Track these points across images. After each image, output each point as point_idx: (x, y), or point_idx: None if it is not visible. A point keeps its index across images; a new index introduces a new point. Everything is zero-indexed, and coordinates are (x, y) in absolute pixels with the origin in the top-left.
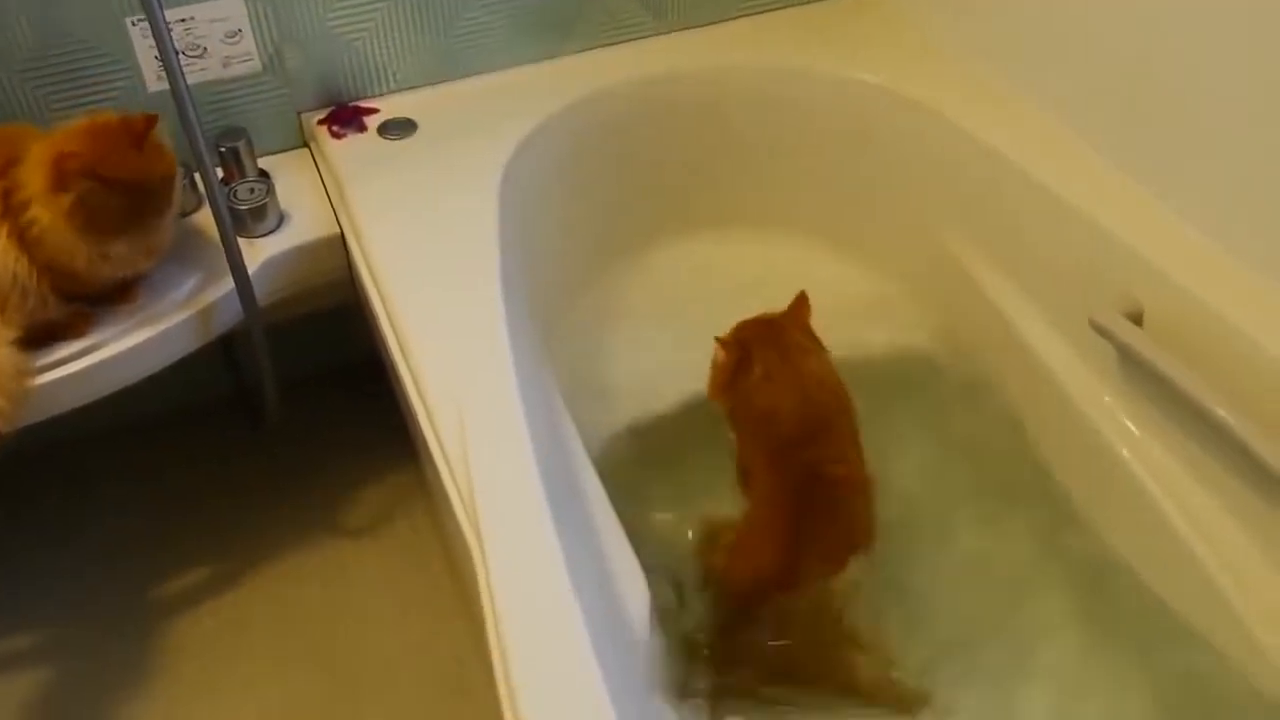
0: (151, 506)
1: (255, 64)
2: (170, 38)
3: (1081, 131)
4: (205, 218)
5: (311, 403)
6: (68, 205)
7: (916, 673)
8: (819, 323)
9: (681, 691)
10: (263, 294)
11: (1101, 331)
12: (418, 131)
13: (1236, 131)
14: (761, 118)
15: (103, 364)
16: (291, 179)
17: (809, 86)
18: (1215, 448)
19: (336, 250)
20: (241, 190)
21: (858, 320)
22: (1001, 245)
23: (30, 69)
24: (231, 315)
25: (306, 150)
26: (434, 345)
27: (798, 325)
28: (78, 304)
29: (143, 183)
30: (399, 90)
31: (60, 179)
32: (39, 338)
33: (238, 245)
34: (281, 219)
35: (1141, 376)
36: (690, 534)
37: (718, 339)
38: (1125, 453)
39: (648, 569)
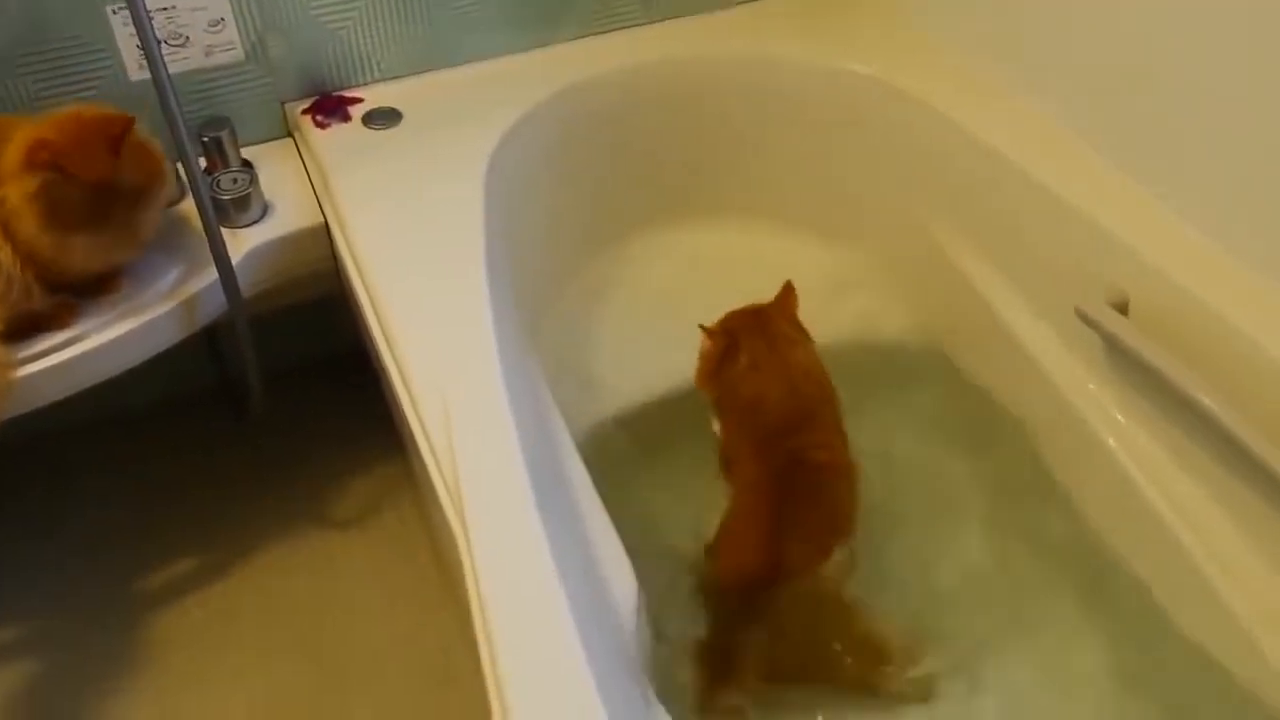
0: (136, 499)
1: (238, 53)
2: (151, 26)
3: (1071, 123)
4: (188, 208)
5: (296, 394)
6: (32, 190)
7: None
8: (805, 310)
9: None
10: (247, 285)
11: (1087, 320)
12: (403, 121)
13: (1225, 121)
14: (751, 107)
15: (86, 355)
16: (275, 169)
17: (799, 76)
18: (1201, 436)
19: (321, 240)
20: (225, 180)
21: (844, 309)
22: (989, 235)
23: (9, 59)
24: (215, 306)
25: (290, 140)
26: (419, 335)
27: (785, 316)
28: (62, 295)
29: (107, 184)
30: (384, 79)
31: (30, 164)
32: (22, 329)
33: (221, 236)
34: (265, 209)
35: (1127, 365)
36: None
37: (704, 328)
38: (1111, 441)
39: (633, 555)
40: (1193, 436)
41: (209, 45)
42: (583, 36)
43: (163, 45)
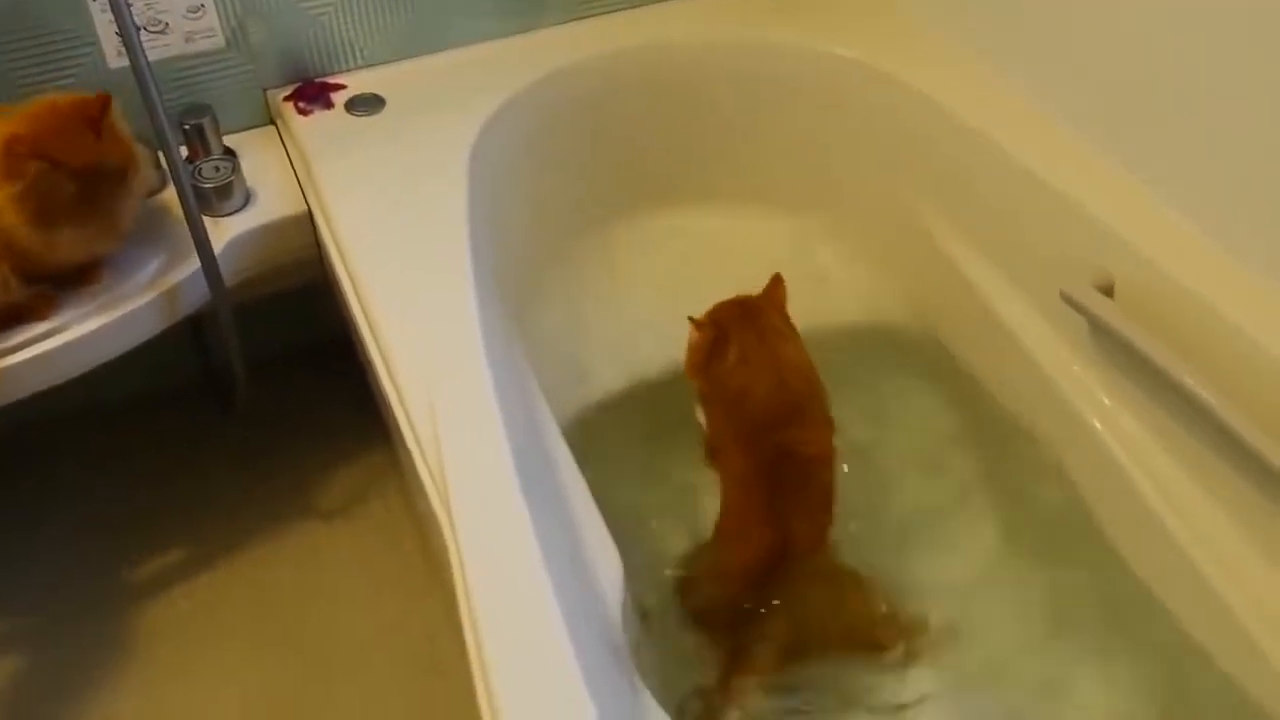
0: (121, 491)
1: (219, 39)
2: (130, 13)
3: (1055, 107)
4: (170, 196)
5: (280, 382)
6: (19, 191)
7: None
8: (793, 295)
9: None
10: (229, 273)
11: (1072, 303)
12: (386, 108)
13: (1208, 106)
14: (737, 92)
15: (67, 347)
16: (257, 156)
17: (784, 61)
18: (1185, 418)
19: (304, 228)
20: (206, 168)
21: (830, 293)
22: (974, 219)
23: None
24: (198, 296)
25: (273, 127)
26: (403, 323)
27: (774, 308)
28: (41, 286)
29: (98, 167)
30: (367, 66)
31: (11, 163)
32: (1, 321)
33: (203, 224)
34: (248, 197)
35: (1112, 348)
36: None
37: (692, 319)
38: (1096, 423)
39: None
40: (1176, 418)
41: (189, 31)
42: (567, 21)
43: (142, 32)
